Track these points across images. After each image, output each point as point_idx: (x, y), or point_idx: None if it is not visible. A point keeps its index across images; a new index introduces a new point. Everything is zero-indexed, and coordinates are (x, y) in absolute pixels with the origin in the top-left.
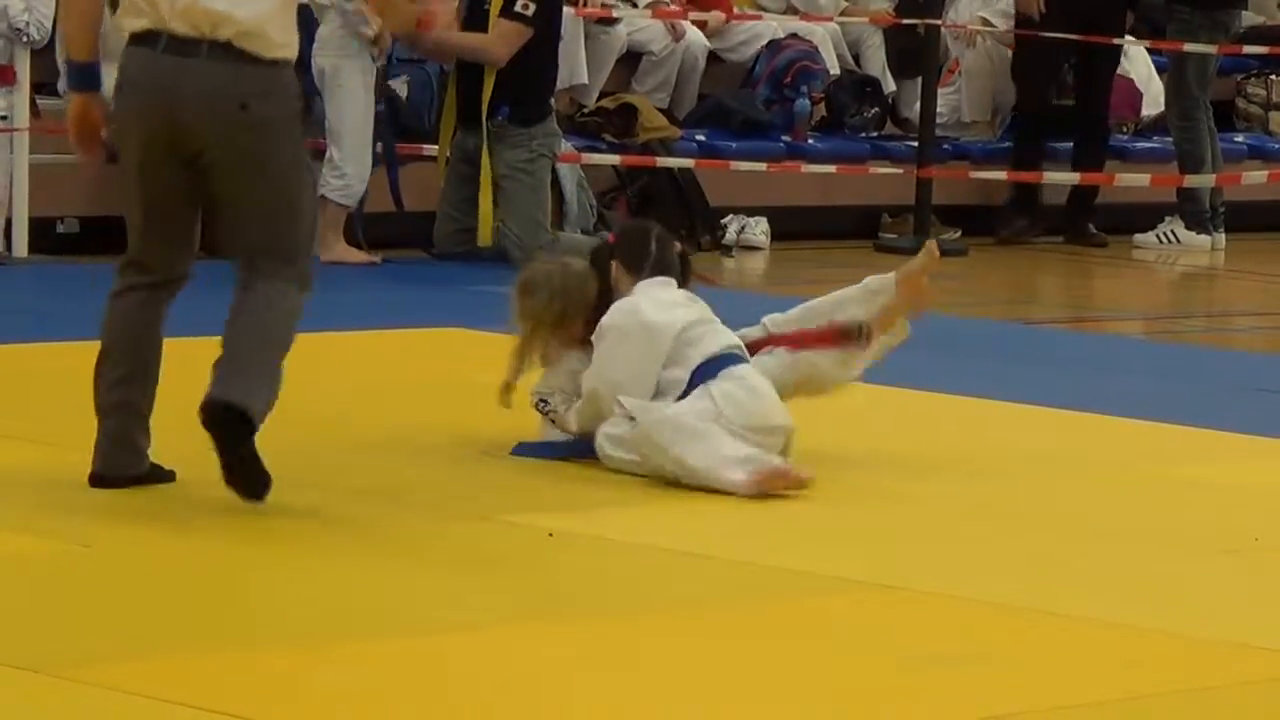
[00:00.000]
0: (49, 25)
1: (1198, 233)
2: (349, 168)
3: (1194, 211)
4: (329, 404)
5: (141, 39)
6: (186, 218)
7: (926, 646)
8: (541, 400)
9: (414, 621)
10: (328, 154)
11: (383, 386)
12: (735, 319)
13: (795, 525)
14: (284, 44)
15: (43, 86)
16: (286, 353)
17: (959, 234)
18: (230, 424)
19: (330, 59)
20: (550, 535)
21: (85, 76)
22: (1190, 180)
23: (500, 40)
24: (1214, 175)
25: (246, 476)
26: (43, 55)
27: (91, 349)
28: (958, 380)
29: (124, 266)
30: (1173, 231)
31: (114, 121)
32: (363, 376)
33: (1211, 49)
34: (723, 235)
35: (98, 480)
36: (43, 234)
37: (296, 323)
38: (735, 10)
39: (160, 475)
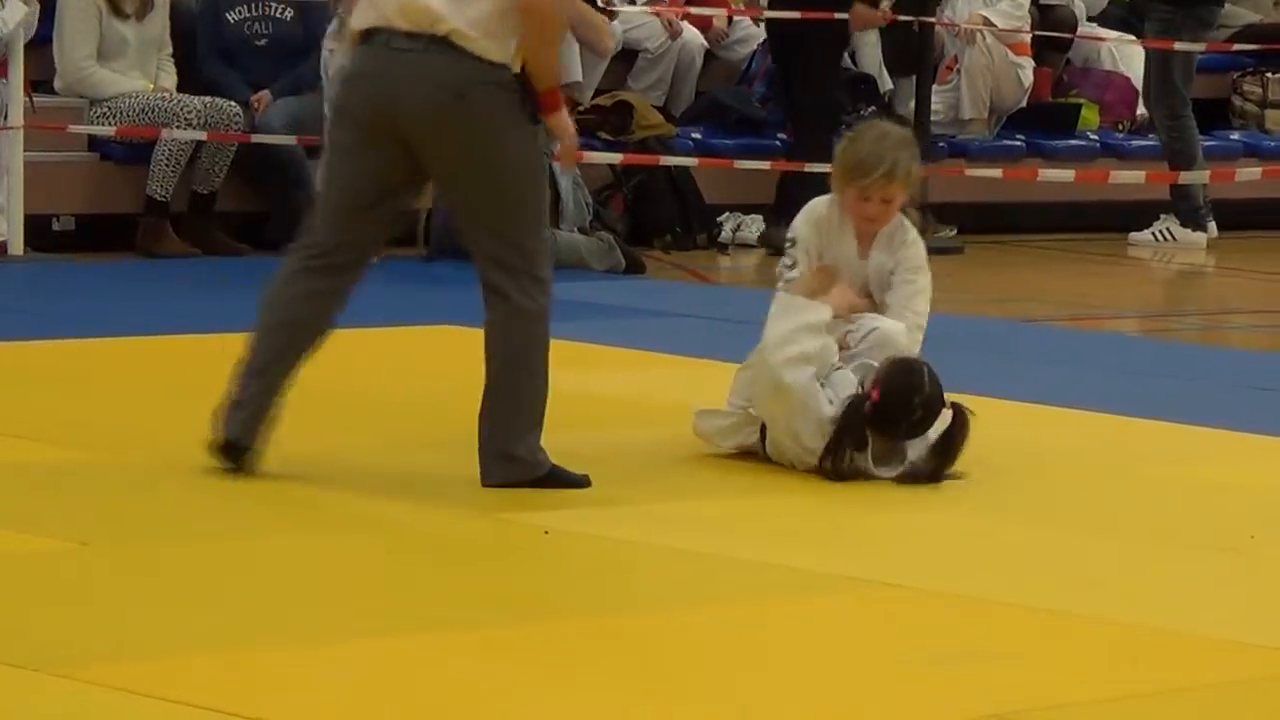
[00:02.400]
0: (11, 25)
1: (1193, 230)
2: None
3: (1188, 209)
4: (322, 402)
5: (368, 36)
6: (375, 205)
7: (929, 645)
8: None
9: (411, 619)
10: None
11: (377, 384)
12: (729, 315)
13: (796, 523)
14: (503, 48)
15: (39, 85)
16: (542, 364)
17: (955, 231)
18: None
19: (341, 57)
20: (546, 533)
21: None
22: (1184, 177)
23: (608, 32)
24: (1207, 171)
25: (566, 485)
26: (39, 53)
27: (89, 346)
28: (953, 378)
29: (302, 252)
30: (1168, 229)
31: (337, 108)
32: (356, 374)
33: (1199, 47)
34: (718, 233)
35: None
36: (39, 232)
37: (545, 330)
38: (733, 6)
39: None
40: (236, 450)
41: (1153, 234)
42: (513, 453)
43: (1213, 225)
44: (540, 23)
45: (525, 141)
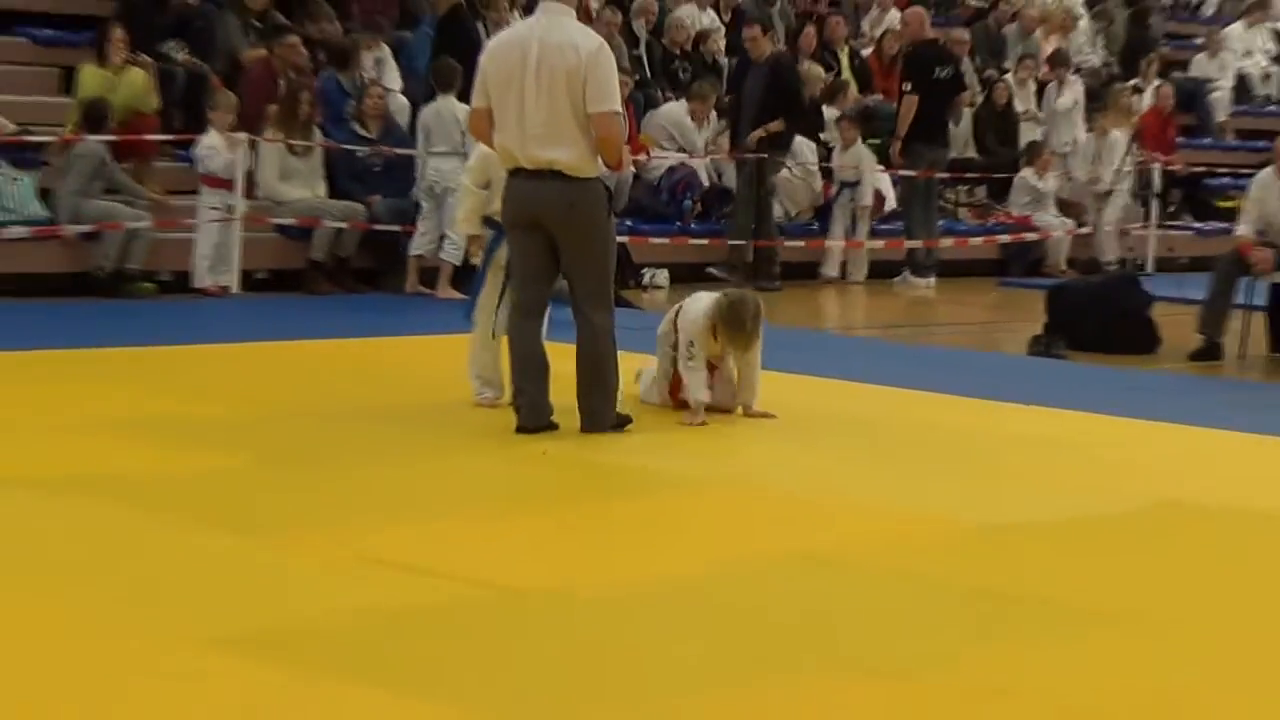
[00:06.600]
0: (229, 160)
1: (917, 278)
2: (461, 240)
3: (913, 264)
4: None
5: (513, 173)
6: (544, 272)
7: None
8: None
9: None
10: (447, 233)
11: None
12: (648, 326)
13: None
14: (591, 170)
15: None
16: (616, 363)
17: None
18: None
19: (452, 170)
20: (545, 453)
21: None
22: (908, 244)
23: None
24: (920, 240)
25: (624, 424)
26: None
27: (282, 347)
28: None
29: (514, 308)
30: (905, 277)
31: (507, 216)
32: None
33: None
34: (642, 279)
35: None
36: (248, 280)
37: (614, 337)
38: (651, 150)
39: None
40: (531, 431)
41: (900, 280)
42: (603, 411)
43: (933, 279)
44: (612, 145)
45: (609, 226)
